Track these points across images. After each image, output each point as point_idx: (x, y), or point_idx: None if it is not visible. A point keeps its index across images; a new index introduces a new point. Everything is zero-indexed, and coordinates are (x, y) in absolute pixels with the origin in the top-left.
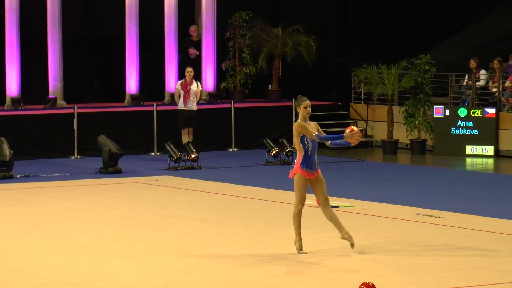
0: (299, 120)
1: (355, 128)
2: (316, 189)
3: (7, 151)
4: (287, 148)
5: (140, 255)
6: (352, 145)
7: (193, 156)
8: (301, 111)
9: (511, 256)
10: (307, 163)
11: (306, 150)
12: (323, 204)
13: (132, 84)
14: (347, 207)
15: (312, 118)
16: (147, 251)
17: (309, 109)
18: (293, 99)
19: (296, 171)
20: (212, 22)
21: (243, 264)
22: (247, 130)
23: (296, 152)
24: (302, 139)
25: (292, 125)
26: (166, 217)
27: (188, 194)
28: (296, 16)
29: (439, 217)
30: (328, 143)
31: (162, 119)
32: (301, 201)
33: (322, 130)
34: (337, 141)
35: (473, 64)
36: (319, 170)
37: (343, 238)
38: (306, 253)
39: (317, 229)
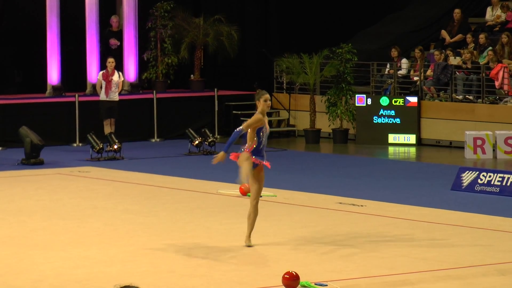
0: (258, 113)
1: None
2: (254, 181)
3: None
4: (209, 138)
5: (62, 247)
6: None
7: (115, 147)
8: (261, 105)
9: (433, 244)
10: (256, 153)
11: (259, 143)
12: (251, 198)
13: (53, 75)
14: (270, 197)
15: (234, 108)
16: (70, 243)
17: (269, 102)
18: (255, 93)
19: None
20: (133, 12)
21: (166, 255)
22: (170, 121)
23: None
24: (258, 132)
25: (215, 115)
26: (89, 208)
27: (110, 185)
28: (217, 6)
29: (362, 206)
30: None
31: (84, 110)
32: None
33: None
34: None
35: (394, 53)
36: (264, 164)
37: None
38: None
39: (238, 219)
